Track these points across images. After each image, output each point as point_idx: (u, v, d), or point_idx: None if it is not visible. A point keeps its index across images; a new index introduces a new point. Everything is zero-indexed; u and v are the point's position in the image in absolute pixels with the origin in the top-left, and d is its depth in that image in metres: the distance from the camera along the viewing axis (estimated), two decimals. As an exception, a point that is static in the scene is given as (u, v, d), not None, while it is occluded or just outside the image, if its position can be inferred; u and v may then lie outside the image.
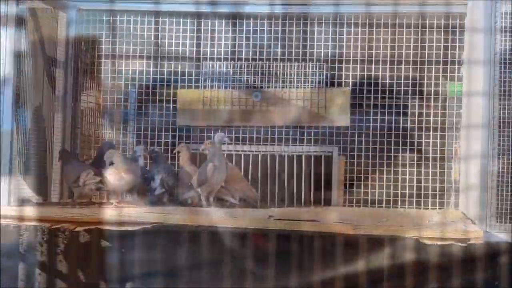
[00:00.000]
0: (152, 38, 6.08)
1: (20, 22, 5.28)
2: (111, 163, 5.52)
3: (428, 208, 5.76)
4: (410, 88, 5.85)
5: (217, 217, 4.76)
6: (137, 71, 6.29)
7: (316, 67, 5.94)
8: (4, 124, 5.16)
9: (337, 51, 5.82)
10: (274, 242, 5.42)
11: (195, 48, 5.95)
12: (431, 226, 4.53)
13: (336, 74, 5.90)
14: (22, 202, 5.46)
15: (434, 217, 5.07)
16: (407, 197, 5.82)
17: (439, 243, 4.42)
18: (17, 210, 4.97)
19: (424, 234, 4.42)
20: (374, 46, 5.85)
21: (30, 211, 4.93)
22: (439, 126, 6.12)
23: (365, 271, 5.34)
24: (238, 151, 6.03)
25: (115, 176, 5.41)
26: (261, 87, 6.04)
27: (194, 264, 5.50)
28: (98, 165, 5.61)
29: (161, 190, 5.68)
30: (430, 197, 5.80)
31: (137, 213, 4.79)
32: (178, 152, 5.90)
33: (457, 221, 4.86)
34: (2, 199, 5.18)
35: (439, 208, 5.79)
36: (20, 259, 5.66)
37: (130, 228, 4.77)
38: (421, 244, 4.51)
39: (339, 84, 5.95)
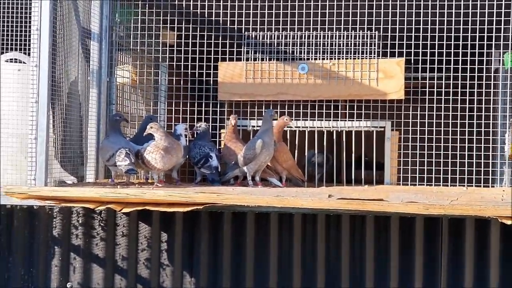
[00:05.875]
0: (191, 8, 5.71)
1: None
2: (151, 139, 5.21)
3: (477, 186, 5.44)
4: (468, 58, 5.47)
5: (273, 196, 4.41)
6: (175, 44, 5.95)
7: (367, 36, 5.56)
8: (41, 98, 4.80)
9: (390, 18, 5.44)
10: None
11: (236, 18, 5.58)
12: (508, 205, 4.18)
13: (389, 44, 5.52)
14: (57, 183, 5.15)
15: (505, 196, 4.72)
16: (467, 174, 5.50)
17: (520, 223, 4.10)
18: (55, 191, 4.65)
19: (504, 214, 4.08)
20: (429, 13, 5.47)
21: (71, 192, 4.59)
22: (491, 98, 5.76)
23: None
24: (290, 127, 5.69)
25: (156, 154, 5.08)
26: (308, 59, 5.68)
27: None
28: (139, 141, 5.29)
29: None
30: (482, 174, 5.48)
31: (188, 194, 4.45)
32: (220, 128, 5.62)
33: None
34: (38, 181, 4.84)
35: (491, 186, 5.48)
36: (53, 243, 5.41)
37: (180, 209, 4.44)
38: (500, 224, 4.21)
39: (393, 54, 5.57)
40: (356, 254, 5.21)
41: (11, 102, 5.25)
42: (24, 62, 5.37)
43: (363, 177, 5.68)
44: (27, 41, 5.01)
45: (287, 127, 5.61)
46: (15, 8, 5.72)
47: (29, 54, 4.97)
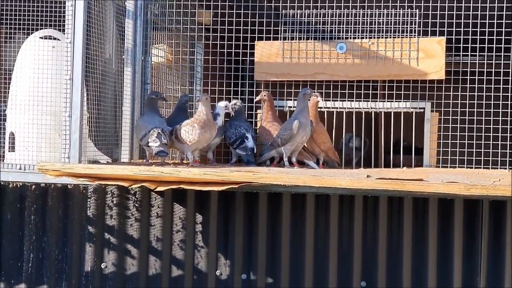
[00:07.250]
0: (228, -14, 5.64)
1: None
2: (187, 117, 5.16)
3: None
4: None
5: (311, 175, 4.32)
6: (211, 23, 5.86)
7: (407, 14, 5.42)
8: (75, 75, 4.75)
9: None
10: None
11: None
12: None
13: (430, 22, 5.37)
14: (91, 163, 5.11)
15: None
16: (509, 157, 5.36)
17: None
18: (88, 168, 4.60)
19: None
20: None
21: (104, 169, 4.54)
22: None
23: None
24: (320, 108, 5.57)
25: (190, 127, 5.02)
26: (346, 38, 5.55)
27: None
28: (174, 121, 5.22)
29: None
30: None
31: (223, 172, 4.37)
32: (257, 109, 5.52)
33: None
34: (72, 159, 4.80)
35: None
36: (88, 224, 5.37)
37: (215, 188, 4.37)
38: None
39: (433, 33, 5.42)
40: (394, 237, 5.11)
41: (46, 80, 5.17)
42: (58, 39, 5.31)
43: (401, 161, 5.55)
44: (62, 18, 4.93)
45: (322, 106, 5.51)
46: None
47: (63, 32, 4.92)
